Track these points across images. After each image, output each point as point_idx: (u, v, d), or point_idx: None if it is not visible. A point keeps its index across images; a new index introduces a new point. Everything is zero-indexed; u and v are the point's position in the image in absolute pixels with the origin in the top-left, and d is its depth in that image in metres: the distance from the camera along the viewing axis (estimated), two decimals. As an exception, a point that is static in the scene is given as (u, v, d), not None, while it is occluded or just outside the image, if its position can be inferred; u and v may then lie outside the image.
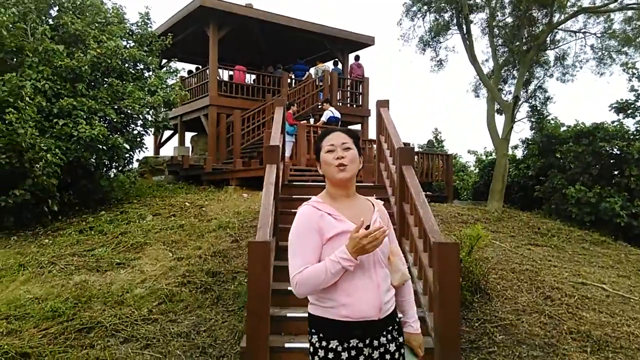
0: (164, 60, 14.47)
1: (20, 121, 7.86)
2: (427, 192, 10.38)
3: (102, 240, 7.63)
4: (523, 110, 15.17)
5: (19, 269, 6.66)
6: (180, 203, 9.70)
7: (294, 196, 7.04)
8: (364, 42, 17.10)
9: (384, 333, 2.25)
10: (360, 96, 16.73)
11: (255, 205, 8.94)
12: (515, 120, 13.38)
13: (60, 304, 5.52)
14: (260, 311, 4.14)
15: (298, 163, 11.98)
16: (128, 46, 10.77)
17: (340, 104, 16.15)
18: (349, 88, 16.81)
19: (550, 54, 16.17)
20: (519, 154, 15.33)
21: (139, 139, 10.55)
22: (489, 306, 5.77)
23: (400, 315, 2.45)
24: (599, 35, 15.20)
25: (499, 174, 12.45)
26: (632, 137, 11.45)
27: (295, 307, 4.72)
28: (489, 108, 14.19)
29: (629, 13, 14.37)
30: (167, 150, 19.88)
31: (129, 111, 9.88)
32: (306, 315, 2.34)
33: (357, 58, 16.94)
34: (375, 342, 2.22)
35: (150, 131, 11.29)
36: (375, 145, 9.77)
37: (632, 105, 11.90)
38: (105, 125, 9.39)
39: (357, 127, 16.32)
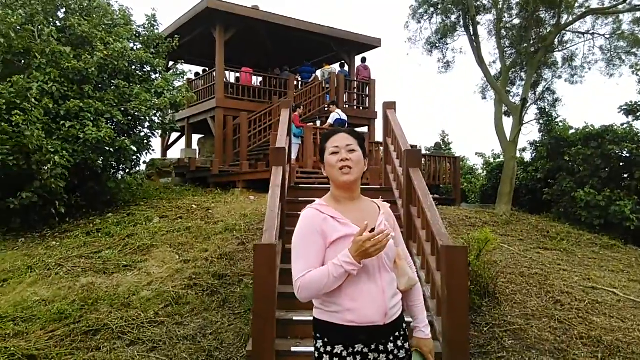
0: (171, 63, 14.48)
1: (27, 123, 7.88)
2: (435, 195, 10.31)
3: (109, 242, 7.63)
4: (531, 112, 15.09)
5: (27, 270, 6.66)
6: (187, 205, 9.69)
7: (300, 198, 7.00)
8: (370, 44, 17.05)
9: (391, 339, 2.21)
10: (367, 98, 16.68)
11: (262, 208, 8.92)
12: (524, 122, 13.29)
13: (66, 306, 5.52)
14: (266, 314, 4.11)
15: (305, 165, 11.95)
16: (135, 48, 10.79)
17: (347, 106, 16.10)
18: (355, 90, 16.76)
19: (558, 56, 16.11)
20: (527, 156, 15.27)
21: (145, 141, 10.55)
22: (497, 310, 5.71)
23: (408, 320, 2.40)
24: (608, 36, 15.10)
25: (507, 176, 12.37)
26: (642, 139, 11.35)
27: (301, 310, 4.68)
28: (496, 110, 14.12)
29: (638, 14, 14.27)
30: (175, 153, 19.98)
31: (136, 113, 9.88)
32: (312, 318, 2.31)
33: (363, 60, 16.91)
34: (381, 348, 2.17)
35: (157, 133, 11.30)
36: (382, 148, 9.72)
37: (642, 108, 11.81)
38: (112, 127, 9.40)
39: (364, 129, 16.26)
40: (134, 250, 7.24)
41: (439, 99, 63.63)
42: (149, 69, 11.07)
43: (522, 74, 16.06)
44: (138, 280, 6.26)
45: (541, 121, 14.34)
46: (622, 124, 11.94)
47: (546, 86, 16.36)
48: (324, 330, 2.20)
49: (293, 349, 4.36)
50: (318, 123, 14.29)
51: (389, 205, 2.48)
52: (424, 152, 16.69)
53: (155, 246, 7.33)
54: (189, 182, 13.91)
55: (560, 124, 13.49)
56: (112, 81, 10.00)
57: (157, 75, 11.29)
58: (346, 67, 17.05)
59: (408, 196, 6.02)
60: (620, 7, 13.84)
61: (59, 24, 10.12)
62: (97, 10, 10.48)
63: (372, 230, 2.20)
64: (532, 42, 14.38)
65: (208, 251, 7.11)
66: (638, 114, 12.02)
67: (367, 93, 16.64)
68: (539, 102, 16.03)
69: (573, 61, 15.84)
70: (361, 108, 16.70)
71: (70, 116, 8.84)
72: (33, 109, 8.13)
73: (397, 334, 2.23)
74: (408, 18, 15.73)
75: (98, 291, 5.94)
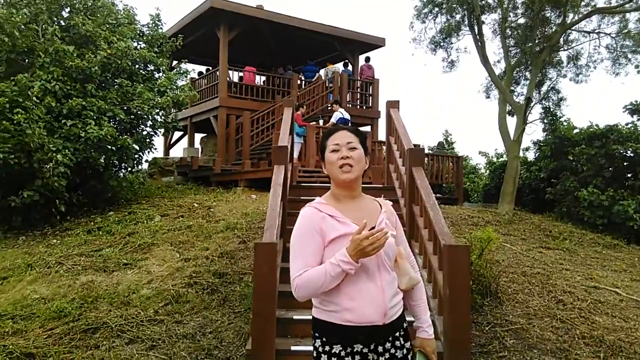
0: (175, 62, 14.50)
1: (28, 121, 7.88)
2: (437, 194, 10.29)
3: (109, 240, 7.62)
4: (535, 111, 15.06)
5: (27, 268, 6.66)
6: (189, 204, 9.68)
7: (302, 197, 6.97)
8: (374, 44, 17.01)
9: (390, 339, 2.17)
10: (370, 98, 16.64)
11: (264, 207, 8.90)
12: (527, 121, 13.25)
13: (66, 304, 5.50)
14: (266, 313, 4.08)
15: (307, 164, 11.93)
16: (138, 47, 10.80)
17: (350, 105, 16.07)
18: (358, 89, 16.72)
19: (563, 55, 16.04)
20: (531, 156, 15.22)
21: (148, 140, 10.56)
22: (499, 310, 5.67)
23: (411, 319, 2.37)
24: (614, 35, 15.02)
25: (510, 176, 12.33)
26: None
27: (301, 309, 4.65)
28: (500, 110, 14.07)
29: (645, 13, 14.18)
30: (177, 152, 19.97)
31: (138, 112, 9.88)
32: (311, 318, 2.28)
33: (367, 59, 16.87)
34: (380, 348, 2.14)
35: (160, 132, 11.30)
36: (384, 147, 9.70)
37: (647, 107, 11.75)
38: (115, 126, 9.40)
39: (367, 128, 16.23)
40: (134, 248, 7.23)
41: (442, 98, 63.57)
42: (152, 68, 11.08)
43: (527, 73, 16.00)
44: (138, 278, 6.25)
45: (545, 120, 14.28)
46: (627, 124, 11.88)
47: (551, 85, 16.30)
48: (323, 329, 2.17)
49: (293, 348, 4.33)
50: (321, 122, 14.27)
51: (391, 203, 2.45)
52: (427, 151, 16.63)
53: (156, 244, 7.32)
54: (191, 181, 13.91)
55: (565, 124, 13.44)
56: (115, 80, 10.01)
57: (161, 74, 11.30)
58: (350, 67, 17.02)
59: (410, 195, 5.99)
60: (627, 6, 13.75)
61: (63, 23, 10.13)
62: (101, 9, 10.49)
63: (372, 229, 2.17)
64: (537, 41, 14.33)
65: (209, 250, 7.09)
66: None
67: (371, 92, 16.59)
68: (543, 102, 15.97)
69: (578, 60, 15.76)
70: (364, 107, 16.66)
71: (73, 115, 8.84)
72: (34, 107, 8.13)
73: (397, 334, 2.20)
74: (412, 18, 15.71)
75: (98, 289, 5.92)
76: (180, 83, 11.78)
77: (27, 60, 9.32)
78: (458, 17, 14.99)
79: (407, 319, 2.30)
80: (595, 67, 15.73)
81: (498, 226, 9.62)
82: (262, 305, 4.08)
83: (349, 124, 12.89)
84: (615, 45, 15.22)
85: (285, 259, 5.31)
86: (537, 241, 9.07)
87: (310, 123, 13.21)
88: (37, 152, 8.04)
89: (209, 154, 16.49)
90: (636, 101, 12.04)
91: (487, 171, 18.28)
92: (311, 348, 2.24)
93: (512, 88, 15.51)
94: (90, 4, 10.45)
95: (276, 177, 5.64)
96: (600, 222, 10.64)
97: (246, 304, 5.50)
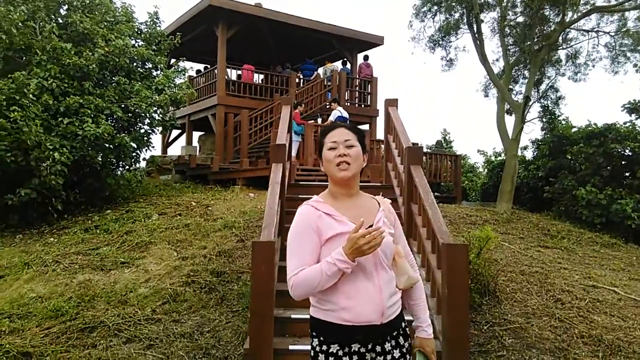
0: (173, 60, 14.45)
1: (25, 119, 7.84)
2: (435, 193, 10.26)
3: (107, 239, 7.60)
4: (534, 110, 15.04)
5: (23, 267, 6.63)
6: (187, 202, 9.66)
7: (300, 196, 6.95)
8: (373, 42, 16.98)
9: (388, 338, 2.15)
10: (369, 96, 16.63)
11: (262, 205, 8.88)
12: (526, 120, 13.24)
13: (63, 303, 5.48)
14: (264, 312, 4.06)
15: (305, 163, 11.92)
16: (136, 45, 10.75)
17: (349, 103, 16.05)
18: (357, 88, 16.71)
19: (562, 53, 16.03)
20: (529, 154, 15.21)
21: (145, 138, 10.51)
22: (498, 309, 5.66)
23: (410, 319, 2.35)
24: (613, 34, 15.01)
25: (509, 175, 12.32)
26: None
27: (299, 308, 4.63)
28: (499, 108, 14.06)
29: (644, 12, 14.18)
30: (175, 150, 19.90)
31: (136, 110, 9.84)
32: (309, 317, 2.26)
33: (366, 58, 16.85)
34: (378, 348, 2.12)
35: (158, 130, 11.27)
36: (383, 145, 9.67)
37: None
38: (112, 124, 9.36)
39: (365, 127, 16.22)
40: (132, 247, 7.21)
41: (441, 97, 63.60)
42: (150, 65, 11.03)
43: (526, 71, 16.00)
44: (135, 277, 6.22)
45: (544, 119, 14.28)
46: (625, 123, 11.87)
47: (549, 84, 16.30)
48: (320, 328, 2.16)
49: (291, 347, 4.32)
50: (319, 120, 14.25)
51: (390, 201, 2.43)
52: (425, 150, 16.62)
53: (153, 243, 7.30)
54: (189, 179, 13.88)
55: (563, 122, 13.42)
56: (113, 78, 9.97)
57: (159, 72, 11.26)
58: (348, 65, 17.00)
59: (409, 194, 5.97)
60: (627, 4, 13.73)
61: (60, 21, 10.08)
62: (99, 7, 10.43)
63: (370, 227, 2.15)
64: (535, 39, 14.31)
65: (206, 248, 7.07)
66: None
67: (369, 91, 16.58)
68: (542, 100, 15.97)
69: (577, 59, 15.76)
70: (363, 106, 16.64)
71: (70, 112, 8.80)
72: (31, 104, 8.09)
73: (395, 333, 2.18)
74: (411, 17, 15.69)
75: (95, 288, 5.90)
76: (178, 81, 11.73)
77: (24, 58, 9.27)
78: (457, 15, 14.99)
79: (407, 318, 2.27)
80: (593, 66, 15.76)
81: (496, 225, 9.62)
82: (260, 304, 4.07)
83: (348, 123, 12.86)
84: (614, 44, 15.22)
85: (283, 258, 5.26)
86: (536, 240, 9.07)
87: (309, 121, 13.18)
88: (34, 150, 8.01)
89: (207, 152, 16.46)
90: (634, 100, 12.04)
91: (485, 170, 18.28)
92: (309, 347, 2.23)
93: (510, 87, 15.51)
94: (88, 1, 10.39)
95: (274, 175, 5.62)
96: (598, 221, 10.64)
97: (244, 302, 5.48)
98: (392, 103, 7.60)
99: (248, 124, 13.65)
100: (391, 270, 2.22)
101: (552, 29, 14.13)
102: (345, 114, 13.06)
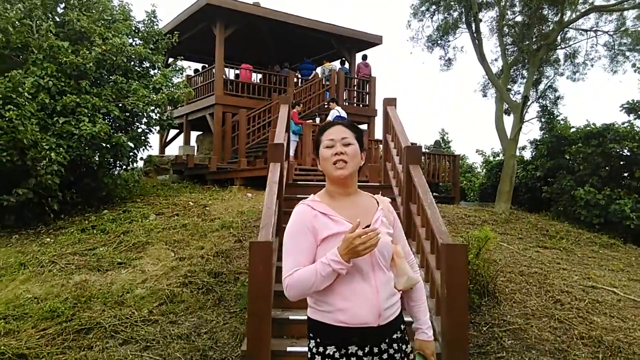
0: (170, 59, 14.39)
1: (20, 118, 7.79)
2: (434, 193, 10.20)
3: (103, 239, 7.55)
4: (532, 110, 15.00)
5: (19, 268, 6.58)
6: (184, 202, 9.61)
7: (298, 195, 6.91)
8: (371, 42, 16.96)
9: (387, 341, 2.11)
10: (367, 96, 16.60)
11: (260, 205, 8.84)
12: (525, 120, 13.20)
13: (59, 304, 5.43)
14: (262, 313, 4.03)
15: (303, 163, 11.88)
16: (134, 44, 10.70)
17: (347, 103, 16.02)
18: (355, 88, 16.67)
19: (560, 53, 15.99)
20: (527, 155, 15.19)
21: (143, 138, 10.45)
22: (497, 310, 5.63)
23: (410, 320, 2.30)
24: (612, 33, 14.98)
25: (507, 175, 12.29)
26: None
27: (297, 309, 4.59)
28: (497, 108, 14.02)
29: (643, 11, 14.13)
30: (173, 150, 19.87)
31: (133, 109, 9.78)
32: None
33: (364, 57, 16.82)
34: (376, 350, 2.08)
35: (155, 129, 11.20)
36: (381, 145, 9.64)
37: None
38: (109, 123, 9.31)
39: (364, 126, 16.18)
40: (128, 247, 7.16)
41: (439, 97, 63.58)
42: (147, 64, 10.99)
43: (524, 71, 15.95)
44: (132, 277, 6.18)
45: (542, 119, 14.25)
46: (624, 123, 11.86)
47: (548, 84, 16.26)
48: (317, 330, 2.12)
49: (289, 348, 4.28)
50: (317, 120, 14.21)
51: (390, 200, 2.38)
52: (423, 150, 16.58)
53: (150, 243, 7.25)
54: (187, 179, 13.84)
55: (562, 122, 13.40)
56: (110, 77, 9.92)
57: (156, 71, 11.20)
58: (346, 65, 16.97)
59: (408, 193, 5.94)
60: (625, 4, 13.71)
61: (57, 19, 10.03)
62: (96, 5, 10.38)
63: (367, 227, 2.11)
64: (534, 39, 14.27)
65: (204, 249, 7.03)
66: (639, 113, 11.94)
67: (368, 90, 16.55)
68: (540, 100, 15.93)
69: (575, 58, 15.72)
70: (361, 105, 16.61)
71: (67, 112, 8.75)
72: (26, 103, 8.03)
73: (394, 336, 2.14)
74: (410, 17, 15.65)
75: (91, 289, 5.85)
76: (175, 80, 11.68)
77: (20, 57, 9.22)
78: (455, 14, 14.93)
79: (406, 319, 2.23)
80: (592, 65, 15.70)
81: (495, 225, 9.59)
82: (257, 305, 4.03)
83: (346, 122, 12.81)
84: (612, 43, 15.19)
85: (281, 258, 5.26)
86: (534, 240, 9.05)
87: (307, 121, 13.15)
88: (30, 150, 7.95)
89: (205, 152, 16.42)
90: (633, 100, 12.03)
91: (484, 170, 18.25)
92: (307, 349, 2.19)
93: (509, 86, 15.47)
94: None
95: (272, 174, 5.59)
96: (597, 222, 10.62)
97: (242, 303, 5.44)
98: (390, 102, 7.56)
99: (246, 124, 13.61)
100: (389, 271, 2.18)
101: (550, 28, 14.09)
102: (344, 114, 13.03)
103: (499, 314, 5.54)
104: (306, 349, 2.20)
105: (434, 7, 15.17)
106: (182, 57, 12.92)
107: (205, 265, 6.44)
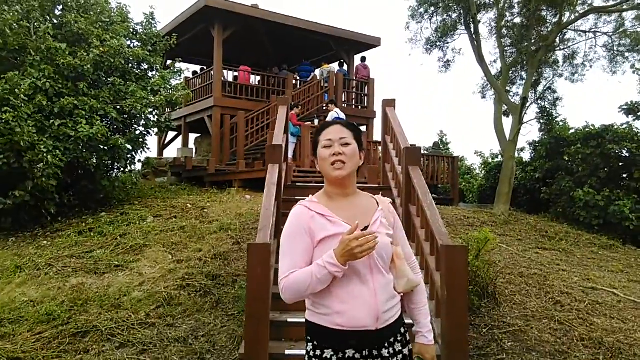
0: (169, 61, 14.35)
1: (17, 120, 7.74)
2: (433, 195, 10.18)
3: (101, 242, 7.50)
4: (531, 111, 14.97)
5: (16, 270, 6.54)
6: (182, 204, 9.57)
7: (296, 197, 6.87)
8: (370, 43, 16.94)
9: (386, 345, 2.07)
10: (366, 97, 16.59)
11: (258, 207, 8.79)
12: (523, 122, 13.18)
13: (55, 307, 5.39)
14: (260, 316, 3.99)
15: (302, 164, 11.85)
16: (132, 46, 10.66)
17: (346, 105, 16.01)
18: (354, 89, 16.66)
19: (559, 54, 15.96)
20: (526, 156, 15.18)
21: (141, 140, 10.41)
22: (497, 311, 5.60)
23: (410, 322, 2.27)
24: (610, 34, 14.97)
25: (506, 176, 12.26)
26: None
27: (296, 312, 4.56)
28: (496, 110, 14.00)
29: (641, 11, 14.10)
30: (171, 152, 19.83)
31: (131, 111, 9.74)
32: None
33: (363, 59, 16.81)
34: (375, 353, 2.04)
35: (153, 132, 11.16)
36: (380, 147, 9.61)
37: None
38: (107, 125, 9.27)
39: (363, 128, 16.15)
40: (126, 250, 7.11)
41: (438, 98, 63.62)
42: (146, 66, 10.95)
43: (523, 73, 15.92)
44: (129, 280, 6.13)
45: (541, 120, 14.24)
46: (622, 124, 11.85)
47: (547, 85, 16.23)
48: (315, 333, 2.09)
49: (287, 352, 4.24)
50: (316, 122, 14.19)
51: (390, 201, 2.33)
52: (422, 151, 16.56)
53: (148, 246, 7.21)
54: (185, 182, 13.80)
55: (560, 124, 13.39)
56: (108, 79, 9.88)
57: (154, 73, 11.17)
58: (345, 66, 16.95)
59: (407, 195, 5.90)
60: (624, 5, 13.69)
61: (55, 21, 9.98)
62: (94, 7, 10.34)
63: (366, 228, 2.07)
64: (533, 40, 14.25)
65: (202, 251, 6.99)
66: (638, 114, 11.93)
67: (366, 92, 16.55)
68: (539, 102, 15.90)
69: (574, 59, 15.70)
70: (360, 107, 16.60)
71: (64, 114, 8.71)
72: (23, 105, 7.98)
73: (393, 339, 2.10)
74: (408, 19, 15.62)
75: (88, 292, 5.81)
76: (174, 82, 11.65)
77: (18, 59, 9.18)
78: (454, 16, 14.90)
79: (407, 322, 2.19)
80: (591, 66, 15.66)
81: (494, 227, 9.56)
82: (255, 307, 3.99)
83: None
84: (611, 44, 15.18)
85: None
86: (534, 242, 9.02)
87: (305, 123, 13.12)
88: (27, 152, 7.91)
89: (203, 154, 16.39)
90: (632, 101, 12.02)
91: (483, 172, 18.23)
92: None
93: (507, 88, 15.45)
94: (83, 1, 10.30)
95: (270, 176, 5.55)
96: (596, 223, 10.61)
97: (240, 306, 5.40)
98: (389, 103, 7.53)
99: (244, 126, 13.59)
100: (389, 274, 2.13)
101: (549, 29, 14.08)
102: (343, 116, 13.01)
103: (499, 316, 5.50)
104: (304, 352, 2.16)
105: (432, 8, 15.14)
106: (180, 59, 12.87)
107: (203, 268, 6.40)
